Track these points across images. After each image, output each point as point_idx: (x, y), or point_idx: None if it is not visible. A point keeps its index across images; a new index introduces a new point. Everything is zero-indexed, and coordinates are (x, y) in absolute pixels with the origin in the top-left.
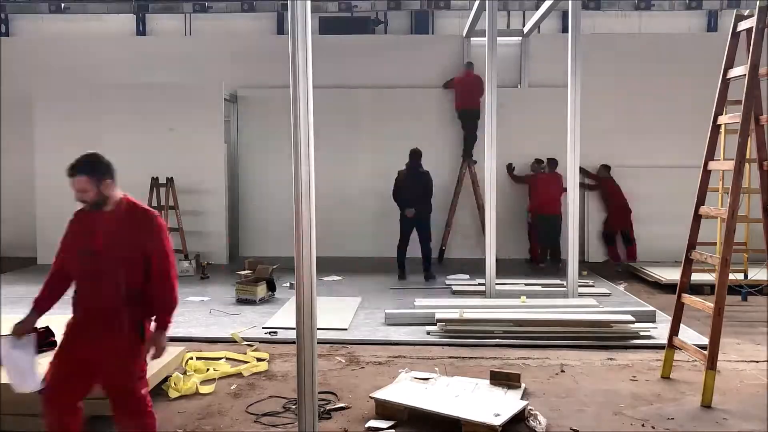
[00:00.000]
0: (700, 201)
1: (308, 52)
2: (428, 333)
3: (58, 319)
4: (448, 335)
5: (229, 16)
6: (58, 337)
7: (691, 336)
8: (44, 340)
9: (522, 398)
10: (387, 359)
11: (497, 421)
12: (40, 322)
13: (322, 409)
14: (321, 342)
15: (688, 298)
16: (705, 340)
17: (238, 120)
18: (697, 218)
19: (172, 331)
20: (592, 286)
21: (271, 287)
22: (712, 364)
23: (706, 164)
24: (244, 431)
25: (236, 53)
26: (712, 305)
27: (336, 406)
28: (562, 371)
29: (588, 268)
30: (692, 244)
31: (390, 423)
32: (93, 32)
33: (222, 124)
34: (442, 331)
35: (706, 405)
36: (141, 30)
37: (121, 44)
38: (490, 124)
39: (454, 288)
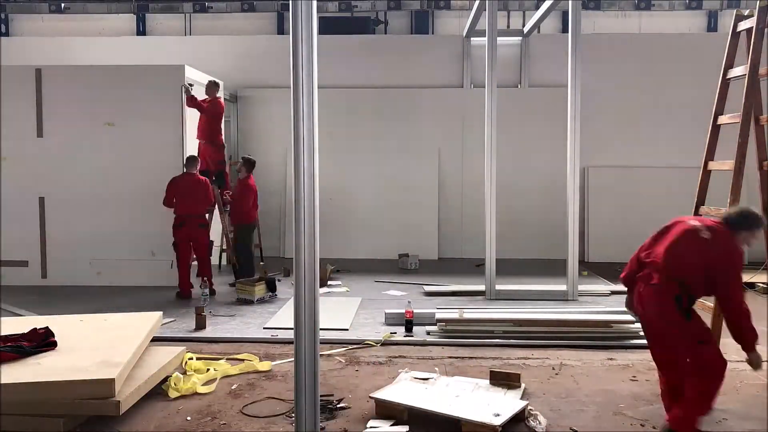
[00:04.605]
0: (700, 201)
1: (313, 49)
2: (428, 333)
3: (57, 320)
4: (448, 335)
5: (229, 16)
6: (58, 338)
7: None
8: (44, 340)
9: (522, 398)
10: (387, 359)
11: (497, 421)
12: (40, 323)
13: (326, 413)
14: (322, 342)
15: None
16: None
17: (238, 120)
18: None
19: (172, 331)
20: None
21: (271, 287)
22: None
23: (706, 164)
24: (243, 431)
25: (236, 53)
26: (711, 305)
27: (336, 406)
28: (555, 373)
29: (588, 268)
30: None
31: (390, 423)
32: (93, 32)
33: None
34: (441, 331)
35: None
36: (141, 30)
37: (121, 44)
38: (490, 125)
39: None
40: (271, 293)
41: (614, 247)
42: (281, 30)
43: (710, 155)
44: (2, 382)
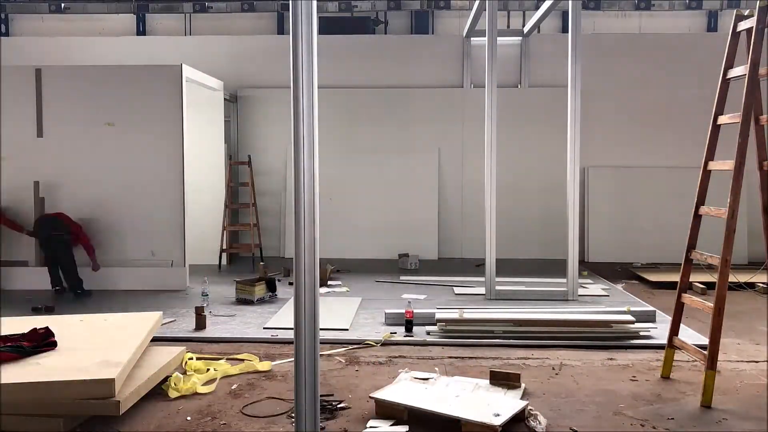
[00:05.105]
0: (700, 201)
1: (313, 49)
2: (428, 333)
3: (56, 320)
4: (448, 335)
5: (229, 16)
6: (58, 338)
7: (691, 336)
8: (44, 340)
9: (522, 398)
10: (387, 359)
11: (497, 421)
12: (39, 323)
13: (328, 412)
14: (322, 342)
15: (688, 298)
16: (705, 340)
17: (238, 120)
18: (697, 218)
19: (172, 331)
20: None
21: (271, 287)
22: (712, 364)
23: (706, 164)
24: (244, 431)
25: (236, 53)
26: (711, 305)
27: (336, 406)
28: (555, 373)
29: (588, 268)
30: (692, 244)
31: (390, 423)
32: (93, 32)
33: (222, 124)
34: (441, 331)
35: (706, 405)
36: (141, 30)
37: (121, 44)
38: (490, 125)
39: (456, 291)
40: (271, 293)
41: (614, 247)
42: (281, 30)
43: (710, 155)
44: (2, 382)
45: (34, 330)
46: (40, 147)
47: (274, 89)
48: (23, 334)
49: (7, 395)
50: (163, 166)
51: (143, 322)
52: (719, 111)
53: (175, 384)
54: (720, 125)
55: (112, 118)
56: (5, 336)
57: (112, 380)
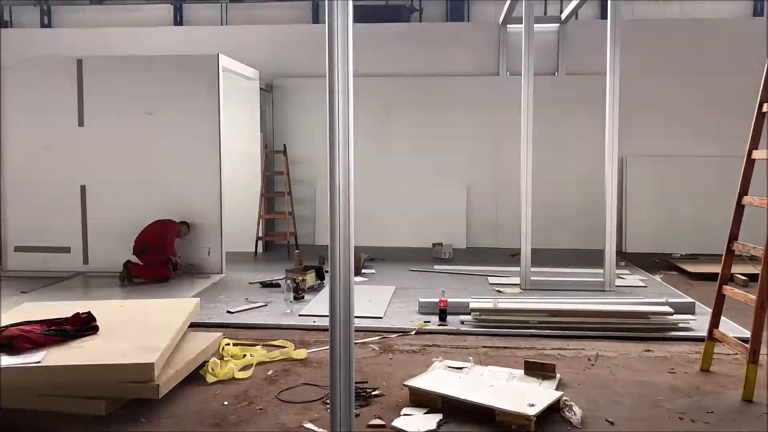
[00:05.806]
0: (743, 190)
1: (349, 39)
2: (462, 322)
3: (98, 305)
4: (482, 325)
5: (264, 6)
6: (100, 322)
7: (732, 328)
8: (86, 324)
9: (557, 389)
10: (421, 348)
11: (532, 411)
12: (81, 308)
13: (362, 399)
14: (356, 330)
15: (729, 290)
16: (746, 333)
17: (274, 109)
18: (739, 208)
19: (210, 317)
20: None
21: (320, 276)
22: (753, 357)
23: (749, 153)
24: (279, 416)
25: (272, 42)
26: (754, 297)
27: (371, 394)
28: (591, 364)
29: (625, 259)
30: (734, 235)
31: (424, 411)
32: (132, 23)
33: (258, 113)
34: (475, 321)
35: (747, 399)
36: (178, 20)
37: (159, 34)
38: (526, 113)
39: (491, 280)
40: (320, 281)
41: (652, 238)
42: (316, 19)
43: (755, 143)
44: (47, 364)
45: (77, 314)
46: (81, 136)
47: (310, 78)
48: (66, 319)
49: (52, 377)
50: (200, 155)
51: (182, 308)
52: (765, 98)
53: (212, 369)
54: (765, 113)
55: (150, 108)
56: (49, 320)
57: (152, 364)
